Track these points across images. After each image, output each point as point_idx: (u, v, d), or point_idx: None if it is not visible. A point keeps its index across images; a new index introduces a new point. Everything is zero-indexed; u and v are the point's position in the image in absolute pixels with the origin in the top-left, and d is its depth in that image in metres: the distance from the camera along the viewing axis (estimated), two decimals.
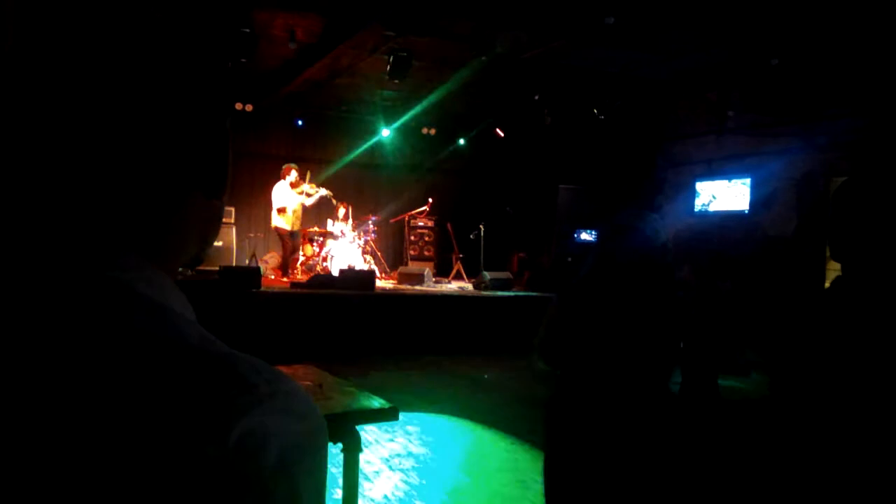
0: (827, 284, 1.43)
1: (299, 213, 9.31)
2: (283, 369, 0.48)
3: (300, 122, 11.18)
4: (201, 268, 6.79)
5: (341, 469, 2.41)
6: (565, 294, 2.01)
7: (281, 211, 9.03)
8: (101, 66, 0.48)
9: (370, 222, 10.57)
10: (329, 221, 10.26)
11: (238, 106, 10.17)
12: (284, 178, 9.20)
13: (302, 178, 9.44)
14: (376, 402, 2.47)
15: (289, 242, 9.33)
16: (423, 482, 3.79)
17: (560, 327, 1.95)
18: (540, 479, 2.06)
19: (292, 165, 9.31)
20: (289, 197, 9.15)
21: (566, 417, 1.97)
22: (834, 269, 3.28)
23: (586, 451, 1.91)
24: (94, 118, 0.48)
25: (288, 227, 9.16)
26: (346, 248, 10.01)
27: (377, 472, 3.86)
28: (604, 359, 1.88)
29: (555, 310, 1.99)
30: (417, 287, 9.36)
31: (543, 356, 1.99)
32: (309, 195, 9.45)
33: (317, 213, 10.52)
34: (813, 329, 1.33)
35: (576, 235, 10.06)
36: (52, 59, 0.48)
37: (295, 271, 9.89)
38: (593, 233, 9.88)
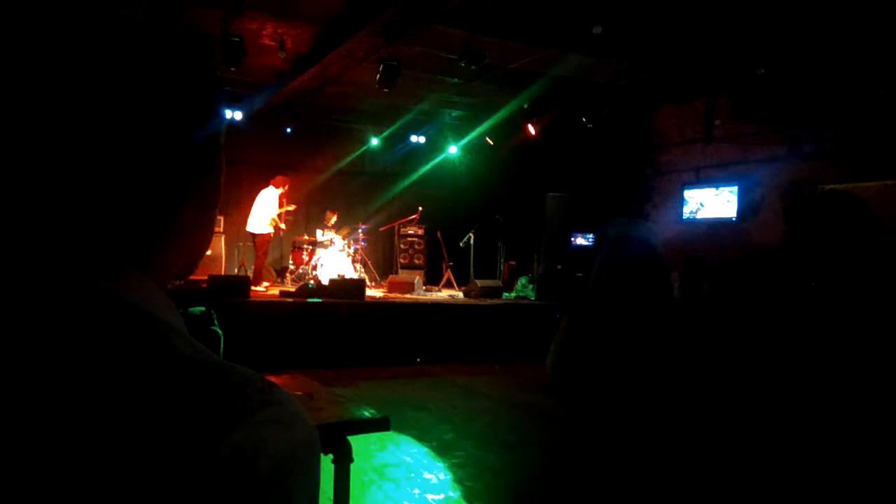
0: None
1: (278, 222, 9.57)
2: (273, 379, 0.48)
3: (289, 130, 11.15)
4: (190, 277, 6.74)
5: (332, 480, 2.39)
6: (574, 310, 2.03)
7: (271, 219, 9.22)
8: (94, 77, 0.48)
9: (360, 231, 10.54)
10: (318, 231, 10.22)
11: (227, 114, 10.11)
12: (278, 188, 9.37)
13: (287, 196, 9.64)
14: (367, 413, 2.45)
15: (266, 250, 9.48)
16: (415, 491, 3.77)
17: (572, 346, 1.97)
18: (536, 487, 2.05)
19: (288, 178, 9.51)
20: (275, 207, 9.35)
21: (588, 432, 1.98)
22: None
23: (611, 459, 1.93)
24: (88, 129, 0.48)
25: (271, 233, 9.42)
26: (335, 257, 9.98)
27: (368, 482, 3.84)
28: (621, 374, 1.90)
29: (565, 326, 2.00)
30: (408, 295, 9.34)
31: (558, 376, 2.01)
32: (289, 213, 9.65)
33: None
34: (802, 326, 1.35)
35: (571, 240, 10.04)
36: (45, 67, 0.48)
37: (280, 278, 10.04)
38: (589, 237, 9.89)
